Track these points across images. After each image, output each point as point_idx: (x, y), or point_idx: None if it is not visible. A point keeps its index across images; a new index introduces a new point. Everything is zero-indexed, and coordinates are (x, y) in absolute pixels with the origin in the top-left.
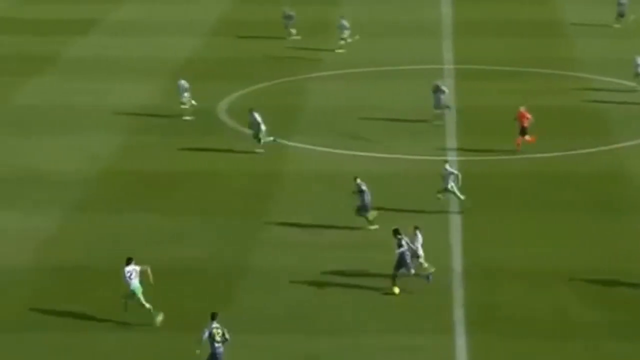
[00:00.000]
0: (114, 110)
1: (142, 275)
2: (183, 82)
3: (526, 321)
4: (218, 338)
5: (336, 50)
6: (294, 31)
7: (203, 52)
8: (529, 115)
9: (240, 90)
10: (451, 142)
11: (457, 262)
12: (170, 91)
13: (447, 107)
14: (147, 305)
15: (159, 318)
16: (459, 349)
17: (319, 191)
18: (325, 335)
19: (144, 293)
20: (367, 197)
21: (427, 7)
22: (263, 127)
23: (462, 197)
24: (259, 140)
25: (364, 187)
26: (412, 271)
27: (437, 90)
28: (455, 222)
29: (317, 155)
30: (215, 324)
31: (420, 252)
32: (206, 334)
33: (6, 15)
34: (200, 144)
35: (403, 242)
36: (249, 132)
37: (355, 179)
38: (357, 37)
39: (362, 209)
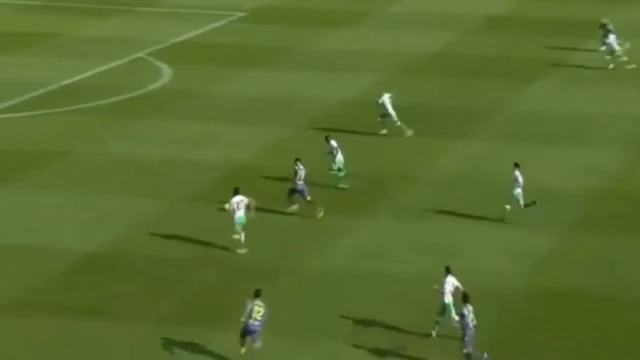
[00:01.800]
0: (621, 120)
1: (247, 207)
2: (386, 98)
3: None
4: (258, 316)
5: (627, 67)
6: (606, 40)
7: None
8: None
9: None
10: None
11: None
12: None
13: None
14: (237, 236)
15: (242, 251)
16: None
17: None
18: None
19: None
20: (301, 183)
21: None
22: (340, 156)
23: (522, 203)
24: (340, 170)
25: (301, 172)
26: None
27: None
28: None
29: None
30: (257, 301)
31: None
32: (248, 308)
33: (510, 15)
34: None
35: (465, 311)
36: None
37: (295, 160)
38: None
39: (292, 191)
